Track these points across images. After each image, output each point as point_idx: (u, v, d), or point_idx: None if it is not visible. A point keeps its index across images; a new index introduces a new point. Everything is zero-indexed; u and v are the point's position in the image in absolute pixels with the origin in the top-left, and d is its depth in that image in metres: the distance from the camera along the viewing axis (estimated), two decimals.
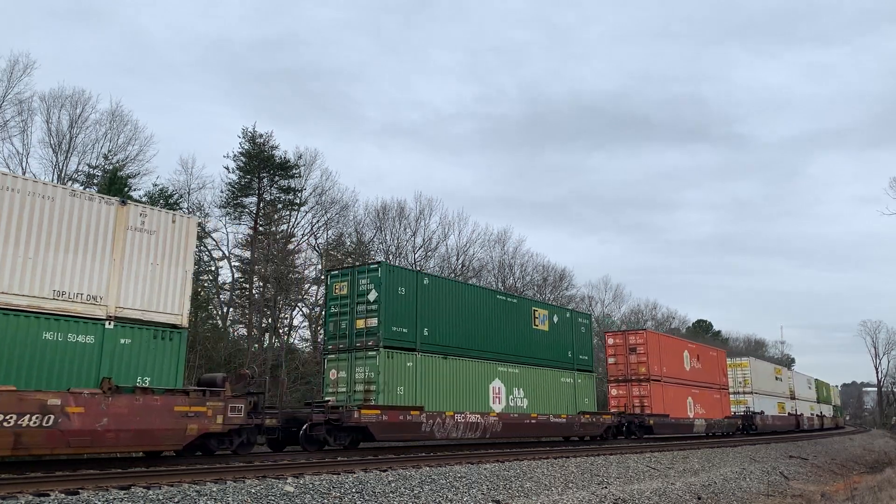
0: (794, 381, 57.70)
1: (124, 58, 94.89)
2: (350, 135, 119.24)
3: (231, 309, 41.84)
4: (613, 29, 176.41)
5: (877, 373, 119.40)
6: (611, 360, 34.16)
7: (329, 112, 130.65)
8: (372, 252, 47.27)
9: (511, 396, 23.37)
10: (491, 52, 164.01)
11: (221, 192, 42.62)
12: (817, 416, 63.77)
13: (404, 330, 19.99)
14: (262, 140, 43.09)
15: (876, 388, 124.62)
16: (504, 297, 24.83)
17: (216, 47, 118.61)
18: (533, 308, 26.16)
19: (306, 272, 43.33)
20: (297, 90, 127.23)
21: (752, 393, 46.29)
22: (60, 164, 36.78)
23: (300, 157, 45.14)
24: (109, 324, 13.85)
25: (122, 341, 13.95)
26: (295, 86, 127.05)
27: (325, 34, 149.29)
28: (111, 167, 37.21)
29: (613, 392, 33.74)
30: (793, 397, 55.95)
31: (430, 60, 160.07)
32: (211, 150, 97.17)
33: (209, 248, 41.71)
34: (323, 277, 25.12)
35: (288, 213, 44.73)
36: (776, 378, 52.32)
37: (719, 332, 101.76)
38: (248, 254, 42.20)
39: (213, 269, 41.84)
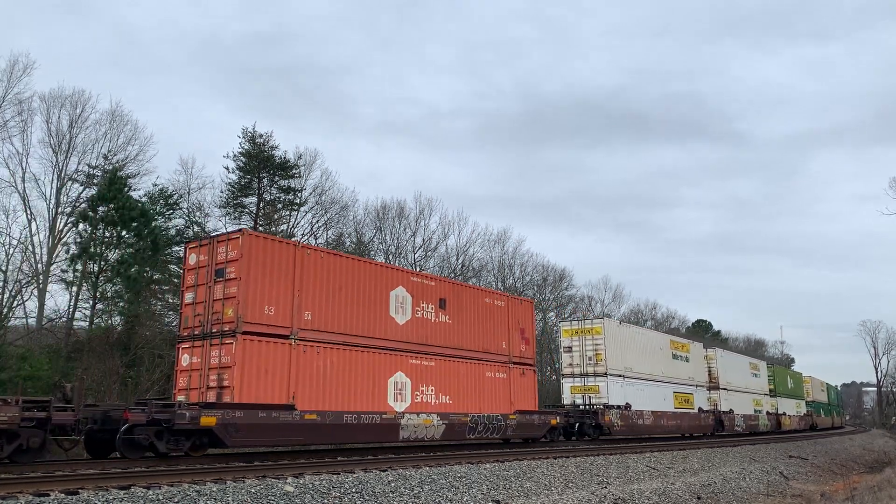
0: (717, 363, 41.14)
1: (114, 54, 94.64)
2: (344, 132, 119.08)
3: None
4: (609, 25, 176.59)
5: (877, 373, 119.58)
6: (188, 298, 17.19)
7: (323, 109, 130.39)
8: (372, 252, 47.32)
9: None
10: (486, 48, 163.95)
11: (221, 192, 42.65)
12: (770, 413, 48.66)
13: None
14: (261, 140, 43.11)
15: (876, 388, 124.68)
16: None
17: (207, 43, 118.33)
18: None
19: None
20: (290, 86, 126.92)
21: (606, 375, 29.56)
22: (60, 165, 36.81)
23: (300, 157, 45.19)
24: None
25: None
26: (287, 82, 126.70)
27: (318, 29, 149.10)
28: (111, 167, 37.21)
29: (184, 361, 16.71)
30: (716, 387, 40.18)
31: (424, 56, 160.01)
32: (204, 146, 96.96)
33: None
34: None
35: (288, 213, 44.75)
36: (674, 356, 35.76)
37: (719, 331, 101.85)
38: None
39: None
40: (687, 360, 37.44)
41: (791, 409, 55.34)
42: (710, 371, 40.56)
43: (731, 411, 41.04)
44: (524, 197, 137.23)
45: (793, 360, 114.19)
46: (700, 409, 37.25)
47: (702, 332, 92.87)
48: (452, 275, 49.37)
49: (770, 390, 51.01)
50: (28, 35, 73.55)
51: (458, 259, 53.09)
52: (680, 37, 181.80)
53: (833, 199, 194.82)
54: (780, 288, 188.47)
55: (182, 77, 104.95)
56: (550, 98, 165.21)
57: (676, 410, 34.70)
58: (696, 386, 37.77)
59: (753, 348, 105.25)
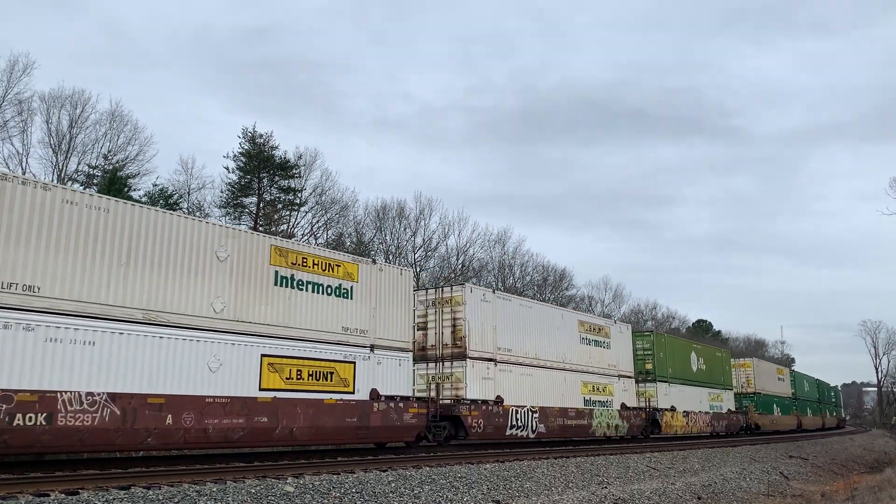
0: (470, 316, 22.59)
1: (105, 49, 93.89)
2: (338, 129, 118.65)
3: None
4: (604, 18, 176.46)
5: (877, 373, 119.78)
6: None
7: (316, 105, 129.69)
8: (372, 252, 47.36)
9: None
10: (480, 42, 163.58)
11: (221, 192, 42.76)
12: (633, 409, 30.34)
13: None
14: (262, 140, 43.18)
15: (876, 388, 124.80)
16: None
17: (197, 38, 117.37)
18: None
19: None
20: (282, 82, 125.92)
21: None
22: (60, 165, 36.86)
23: (300, 158, 45.26)
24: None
25: None
26: (279, 78, 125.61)
27: (308, 23, 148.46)
28: (111, 167, 37.27)
29: None
30: (461, 355, 22.43)
31: (418, 50, 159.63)
32: (198, 143, 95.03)
33: None
34: None
35: (288, 213, 44.81)
36: (316, 287, 17.67)
37: (719, 332, 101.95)
38: None
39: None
40: (343, 296, 18.14)
41: (698, 402, 36.69)
42: (454, 328, 22.45)
43: (495, 402, 22.39)
44: (522, 194, 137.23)
45: (793, 360, 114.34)
46: (381, 397, 18.44)
47: (702, 332, 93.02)
48: (453, 275, 49.31)
49: (645, 372, 33.12)
50: (20, 32, 73.17)
51: (458, 259, 53.18)
52: (676, 31, 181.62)
53: (833, 198, 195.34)
54: (779, 288, 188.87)
55: (173, 73, 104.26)
56: (545, 93, 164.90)
57: (296, 396, 16.50)
58: (387, 351, 18.97)
59: (754, 348, 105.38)
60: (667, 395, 33.61)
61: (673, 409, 33.60)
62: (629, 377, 30.97)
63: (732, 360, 46.41)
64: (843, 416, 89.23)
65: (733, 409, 41.65)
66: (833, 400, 77.89)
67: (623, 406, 29.72)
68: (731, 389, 42.55)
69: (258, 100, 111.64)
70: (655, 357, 33.68)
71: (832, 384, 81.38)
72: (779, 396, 51.39)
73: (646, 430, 31.30)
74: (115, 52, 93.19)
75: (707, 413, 37.49)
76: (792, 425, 53.10)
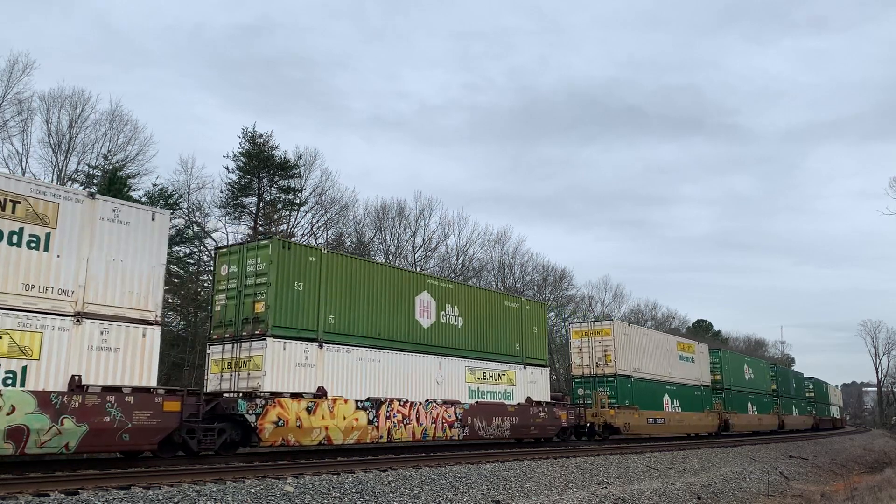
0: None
1: (98, 47, 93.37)
2: (335, 127, 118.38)
3: None
4: (603, 16, 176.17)
5: (877, 373, 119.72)
6: None
7: (313, 103, 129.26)
8: (372, 252, 47.38)
9: None
10: (478, 39, 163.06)
11: (221, 192, 42.72)
12: (84, 393, 12.11)
13: None
14: (261, 140, 43.17)
15: (876, 388, 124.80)
16: None
17: (193, 36, 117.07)
18: None
19: None
20: (279, 80, 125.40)
21: None
22: (60, 164, 36.83)
23: (300, 157, 45.25)
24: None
25: None
26: (276, 76, 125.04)
27: (305, 21, 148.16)
28: (111, 167, 37.26)
29: None
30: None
31: (415, 48, 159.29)
32: (195, 142, 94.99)
33: (209, 248, 41.80)
34: None
35: (288, 213, 44.78)
36: None
37: (719, 331, 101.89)
38: None
39: (213, 269, 41.81)
40: None
41: (433, 386, 20.99)
42: None
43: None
44: (521, 193, 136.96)
45: (793, 360, 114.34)
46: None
47: (702, 332, 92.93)
48: (452, 275, 49.30)
49: (254, 320, 17.26)
50: (19, 31, 72.78)
51: (458, 259, 53.18)
52: (675, 28, 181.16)
53: (832, 196, 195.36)
54: (780, 287, 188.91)
55: (170, 72, 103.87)
56: (543, 91, 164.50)
57: None
58: None
59: (753, 348, 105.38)
60: (305, 368, 17.56)
61: (319, 395, 17.29)
62: (143, 323, 13.96)
63: (583, 324, 32.20)
64: (837, 415, 76.63)
65: (544, 399, 25.68)
66: (808, 394, 61.52)
67: (76, 385, 12.44)
68: (544, 367, 26.44)
69: (255, 98, 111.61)
70: (277, 292, 17.29)
71: (806, 375, 65.38)
72: (679, 384, 35.39)
73: (199, 439, 14.57)
74: (110, 51, 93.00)
75: (456, 405, 21.33)
76: (706, 427, 37.33)
